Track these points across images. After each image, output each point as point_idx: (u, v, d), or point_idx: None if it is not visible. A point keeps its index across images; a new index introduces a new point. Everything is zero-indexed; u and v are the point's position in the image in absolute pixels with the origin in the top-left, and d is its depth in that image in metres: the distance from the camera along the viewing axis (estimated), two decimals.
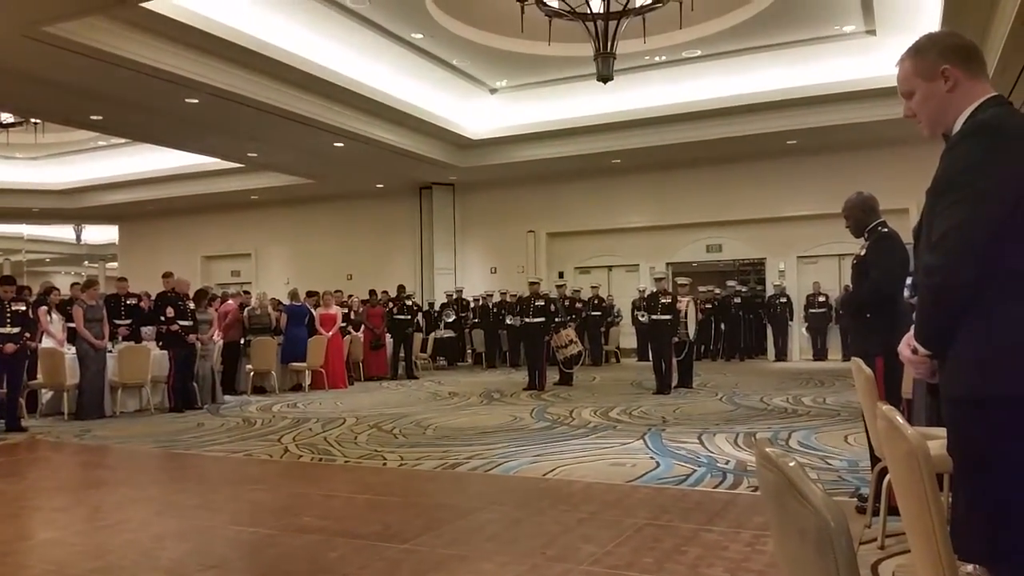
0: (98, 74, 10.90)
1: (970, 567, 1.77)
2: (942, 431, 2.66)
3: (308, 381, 12.70)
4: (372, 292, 15.51)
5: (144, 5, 9.24)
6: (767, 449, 1.15)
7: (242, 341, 12.39)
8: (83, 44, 9.84)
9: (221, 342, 11.70)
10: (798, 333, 17.35)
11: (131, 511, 4.98)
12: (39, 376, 9.87)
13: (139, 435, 8.27)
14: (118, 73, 10.83)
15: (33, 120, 15.65)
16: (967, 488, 1.93)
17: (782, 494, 1.10)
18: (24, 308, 9.05)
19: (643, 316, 11.74)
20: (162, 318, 10.30)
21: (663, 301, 11.03)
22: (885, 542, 3.63)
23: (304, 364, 12.59)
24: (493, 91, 16.28)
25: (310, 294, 13.54)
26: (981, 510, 1.86)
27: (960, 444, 1.93)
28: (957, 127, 2.00)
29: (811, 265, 17.49)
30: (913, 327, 2.05)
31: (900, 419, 1.61)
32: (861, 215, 4.37)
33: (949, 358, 1.94)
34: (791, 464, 1.10)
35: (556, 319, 12.28)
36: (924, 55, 2.06)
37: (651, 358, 11.57)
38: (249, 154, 16.68)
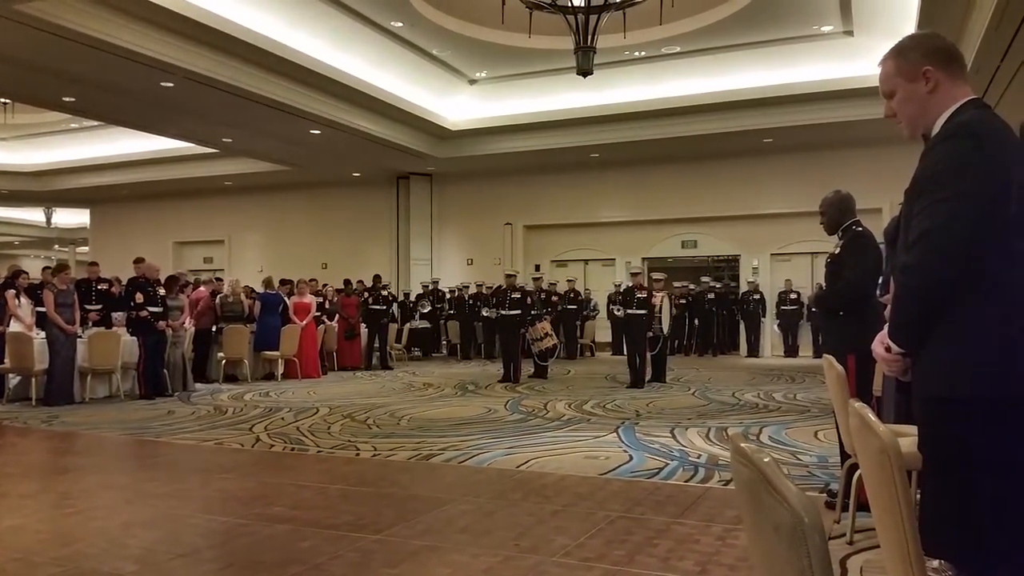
0: (71, 55, 10.71)
1: (936, 563, 1.79)
2: (912, 428, 2.70)
3: (281, 370, 12.62)
4: (347, 282, 15.43)
5: None
6: (742, 444, 1.15)
7: (214, 328, 12.28)
8: (56, 24, 9.66)
9: (193, 329, 11.59)
10: (770, 329, 17.52)
11: (99, 498, 4.93)
12: (6, 360, 9.72)
13: (108, 422, 8.18)
14: (92, 54, 10.65)
15: (3, 100, 15.40)
16: (936, 485, 1.96)
17: (756, 489, 1.10)
18: None
19: (618, 310, 11.77)
20: (132, 304, 10.19)
21: (638, 296, 11.08)
22: (854, 537, 3.69)
23: (277, 353, 12.50)
24: (472, 82, 16.22)
25: (284, 282, 13.44)
26: (950, 507, 1.88)
27: (931, 442, 1.96)
28: (937, 128, 2.02)
29: (784, 263, 17.65)
30: (887, 325, 2.07)
31: (872, 416, 1.62)
32: (836, 213, 4.42)
33: (922, 357, 1.96)
34: (766, 460, 1.10)
35: (532, 312, 12.29)
36: (906, 56, 2.08)
37: (625, 352, 11.62)
38: (224, 139, 16.50)
